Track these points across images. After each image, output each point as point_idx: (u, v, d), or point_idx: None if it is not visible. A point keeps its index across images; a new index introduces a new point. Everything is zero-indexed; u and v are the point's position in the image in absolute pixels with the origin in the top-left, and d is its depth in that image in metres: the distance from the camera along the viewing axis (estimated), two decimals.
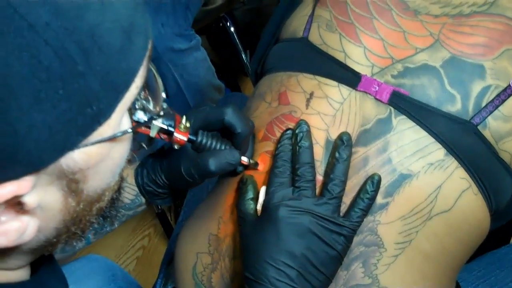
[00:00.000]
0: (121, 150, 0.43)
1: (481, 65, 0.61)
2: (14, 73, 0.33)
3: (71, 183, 0.40)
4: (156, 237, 1.73)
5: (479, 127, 0.61)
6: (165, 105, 0.48)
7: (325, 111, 0.64)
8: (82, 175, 0.40)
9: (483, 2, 0.63)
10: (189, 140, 0.62)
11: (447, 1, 0.64)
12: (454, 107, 0.61)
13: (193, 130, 0.63)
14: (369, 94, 0.63)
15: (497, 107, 0.60)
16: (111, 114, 0.39)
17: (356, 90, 0.64)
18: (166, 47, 1.47)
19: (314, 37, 0.68)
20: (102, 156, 0.41)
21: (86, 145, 0.38)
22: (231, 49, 1.89)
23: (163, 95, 0.47)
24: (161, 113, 0.48)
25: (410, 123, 0.61)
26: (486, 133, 0.61)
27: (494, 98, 0.60)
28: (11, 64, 0.33)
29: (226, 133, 0.65)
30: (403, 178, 0.61)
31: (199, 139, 0.63)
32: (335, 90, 0.64)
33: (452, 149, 0.60)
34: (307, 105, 0.65)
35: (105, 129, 0.39)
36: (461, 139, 0.61)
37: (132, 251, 1.71)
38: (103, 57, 0.36)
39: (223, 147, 0.64)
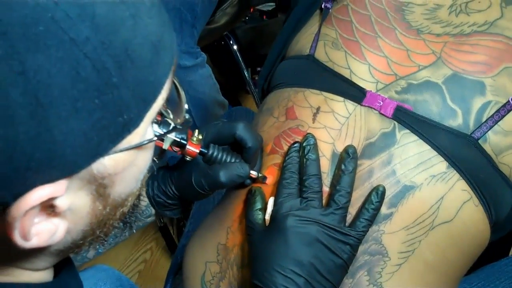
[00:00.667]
0: (145, 157, 0.46)
1: (481, 82, 0.64)
2: (55, 83, 0.35)
3: (100, 187, 0.42)
4: (158, 250, 1.75)
5: (479, 141, 0.63)
6: (187, 116, 0.50)
7: (331, 125, 0.67)
8: (110, 180, 0.43)
9: (483, 22, 0.66)
10: (200, 152, 0.64)
11: (448, 21, 0.67)
12: (455, 122, 0.63)
13: (205, 143, 0.65)
14: (374, 109, 0.66)
15: (496, 122, 0.63)
16: (140, 123, 0.41)
17: (361, 105, 0.66)
18: None
19: (320, 55, 0.71)
20: (129, 163, 0.43)
21: (116, 152, 0.41)
22: (232, 67, 1.92)
23: (186, 106, 0.49)
24: (182, 124, 0.50)
25: (413, 137, 0.64)
26: (486, 147, 0.63)
27: (494, 113, 0.63)
28: (53, 75, 0.35)
29: (237, 147, 0.67)
30: (406, 190, 0.63)
31: (211, 151, 0.65)
32: (341, 105, 0.67)
33: (454, 162, 0.63)
34: (314, 120, 0.68)
35: (133, 137, 0.42)
36: (462, 152, 0.63)
37: (134, 264, 1.72)
38: (135, 70, 0.39)
39: (233, 160, 0.66)
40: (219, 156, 0.66)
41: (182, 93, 0.48)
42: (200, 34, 1.59)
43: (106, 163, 0.41)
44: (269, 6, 2.17)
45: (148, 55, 0.40)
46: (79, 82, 0.36)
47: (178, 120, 0.49)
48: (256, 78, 2.08)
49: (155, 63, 0.41)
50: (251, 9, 2.15)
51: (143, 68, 0.40)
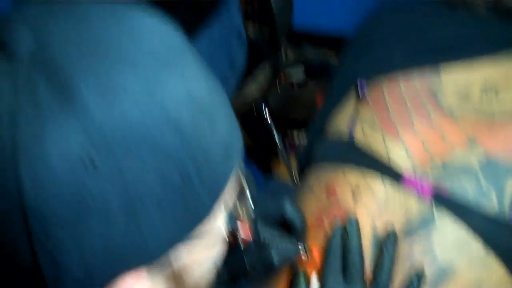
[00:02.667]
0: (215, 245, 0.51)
1: None
2: (147, 189, 0.41)
3: (175, 273, 0.47)
4: None
5: None
6: (250, 209, 0.54)
7: (371, 204, 0.69)
8: (185, 267, 0.47)
9: None
10: (253, 238, 0.67)
11: (480, 107, 0.69)
12: (491, 206, 0.65)
13: (254, 225, 0.68)
14: (413, 191, 0.68)
15: None
16: (210, 214, 0.46)
17: (400, 186, 0.69)
18: None
19: (358, 136, 0.75)
20: (200, 250, 0.48)
21: (190, 239, 0.45)
22: (264, 132, 1.97)
23: (250, 201, 0.53)
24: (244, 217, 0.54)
25: (450, 219, 0.66)
26: None
27: None
28: (146, 182, 0.40)
29: (283, 225, 0.70)
30: (445, 272, 0.65)
31: (262, 235, 0.67)
32: (380, 186, 0.70)
33: (492, 246, 0.64)
34: (353, 198, 0.70)
35: (204, 226, 0.46)
36: (499, 237, 0.65)
37: None
38: (210, 171, 0.44)
39: (283, 241, 0.68)
40: (270, 238, 0.67)
41: (246, 186, 0.52)
42: (232, 105, 1.64)
43: (182, 250, 0.45)
44: (299, 76, 2.22)
45: (221, 157, 0.45)
46: (166, 186, 0.41)
47: (241, 212, 0.53)
48: (286, 141, 2.12)
49: (225, 162, 0.46)
50: (282, 78, 2.21)
51: (217, 168, 0.45)
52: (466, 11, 0.79)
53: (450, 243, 0.65)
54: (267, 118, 1.91)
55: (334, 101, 0.81)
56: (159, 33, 0.44)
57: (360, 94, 0.77)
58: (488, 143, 0.68)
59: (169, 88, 0.41)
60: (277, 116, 1.99)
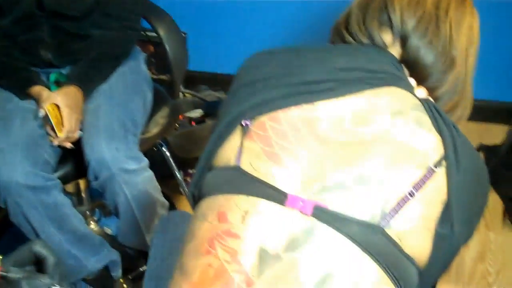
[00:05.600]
0: None
1: (382, 180, 0.76)
2: None
3: None
4: None
5: (385, 229, 0.74)
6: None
7: (258, 225, 0.76)
8: None
9: (379, 130, 0.78)
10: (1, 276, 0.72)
11: (351, 131, 0.79)
12: (365, 215, 0.75)
13: (6, 268, 0.73)
14: (296, 209, 0.76)
15: (397, 211, 0.75)
16: None
17: (285, 206, 0.77)
18: (120, 168, 1.61)
19: (245, 165, 0.81)
20: None
21: None
22: (166, 171, 2.02)
23: None
24: None
25: (330, 230, 0.74)
26: (391, 233, 0.74)
27: (395, 205, 0.75)
28: None
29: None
30: (327, 277, 0.72)
31: (12, 274, 0.72)
32: (267, 207, 0.77)
33: (366, 248, 0.73)
34: (243, 221, 0.77)
35: None
36: (372, 239, 0.74)
37: None
38: None
39: (35, 277, 0.74)
40: (23, 276, 0.73)
41: None
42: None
43: None
44: (197, 113, 2.32)
45: None
46: None
47: None
48: (189, 179, 2.18)
49: None
50: (181, 117, 2.29)
51: None
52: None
53: (329, 251, 0.73)
54: (167, 156, 1.97)
55: (220, 137, 0.87)
56: None
57: (245, 129, 0.84)
58: (359, 162, 0.77)
59: None
60: (177, 156, 2.06)
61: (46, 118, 1.58)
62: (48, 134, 1.60)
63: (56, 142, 1.60)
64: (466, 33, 0.90)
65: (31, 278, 0.72)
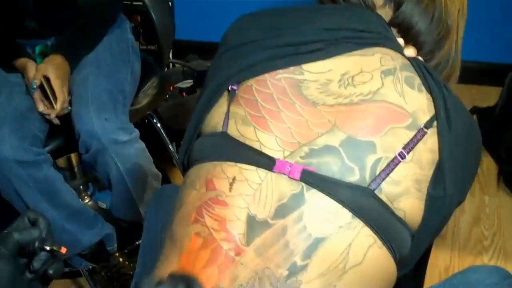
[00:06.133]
0: None
1: (371, 142, 0.74)
2: None
3: None
4: None
5: (376, 192, 0.73)
6: None
7: (246, 192, 0.75)
8: None
9: (368, 91, 0.77)
10: None
11: (339, 93, 0.78)
12: (354, 177, 0.73)
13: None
14: (283, 174, 0.75)
15: (388, 174, 0.74)
16: None
17: (272, 172, 0.75)
18: (110, 139, 1.58)
19: (232, 131, 0.80)
20: None
21: None
22: (158, 143, 2.00)
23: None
24: None
25: (319, 194, 0.73)
26: (382, 196, 0.73)
27: (385, 167, 0.74)
28: None
29: None
30: (318, 241, 0.71)
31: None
32: (254, 174, 0.76)
33: (357, 212, 0.72)
34: (231, 189, 0.76)
35: None
36: (362, 203, 0.73)
37: None
38: None
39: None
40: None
41: None
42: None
43: None
44: (187, 83, 2.29)
45: None
46: None
47: None
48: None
49: None
50: (171, 87, 2.26)
51: None
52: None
53: (320, 215, 0.72)
54: (159, 128, 1.95)
55: (207, 103, 0.86)
56: None
57: (232, 94, 0.83)
58: (348, 125, 0.75)
59: None
60: (169, 126, 2.04)
61: (40, 89, 1.55)
62: (37, 107, 1.58)
63: (53, 114, 1.58)
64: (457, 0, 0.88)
65: (21, 229, 0.74)
